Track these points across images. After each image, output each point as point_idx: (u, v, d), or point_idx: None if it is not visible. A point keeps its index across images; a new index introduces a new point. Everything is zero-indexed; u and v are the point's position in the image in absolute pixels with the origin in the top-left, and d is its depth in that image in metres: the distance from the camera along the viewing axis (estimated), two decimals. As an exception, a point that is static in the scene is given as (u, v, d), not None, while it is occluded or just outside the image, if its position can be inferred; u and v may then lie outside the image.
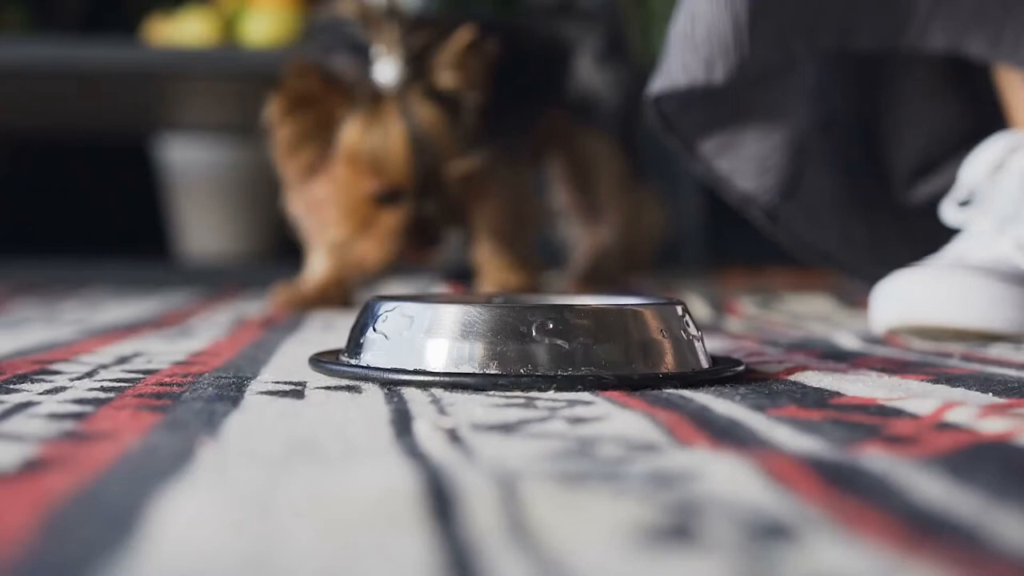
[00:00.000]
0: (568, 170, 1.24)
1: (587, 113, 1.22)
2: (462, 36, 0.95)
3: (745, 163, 0.94)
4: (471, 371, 0.50)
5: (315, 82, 0.93)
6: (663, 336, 0.53)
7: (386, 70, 0.95)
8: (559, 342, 0.50)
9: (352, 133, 0.94)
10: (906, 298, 0.74)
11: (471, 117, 0.98)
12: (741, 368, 0.55)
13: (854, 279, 1.05)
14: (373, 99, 0.94)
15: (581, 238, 1.26)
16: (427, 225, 0.95)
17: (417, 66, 0.95)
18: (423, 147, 0.93)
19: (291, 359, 0.62)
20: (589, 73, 1.22)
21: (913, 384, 0.52)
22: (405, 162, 0.93)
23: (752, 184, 0.95)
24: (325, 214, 0.97)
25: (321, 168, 0.97)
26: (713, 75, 0.83)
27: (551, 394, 0.48)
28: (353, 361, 0.54)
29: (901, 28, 0.82)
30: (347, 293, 1.06)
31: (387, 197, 0.94)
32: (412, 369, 0.51)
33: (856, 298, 1.10)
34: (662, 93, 0.87)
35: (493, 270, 1.11)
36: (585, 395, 0.48)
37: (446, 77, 0.95)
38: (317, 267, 1.06)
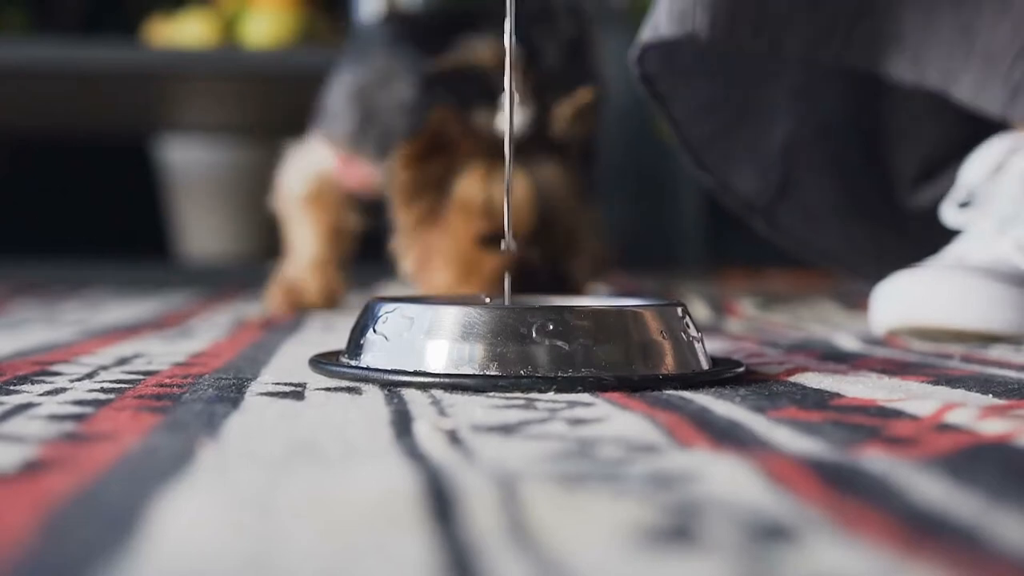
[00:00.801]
0: None
1: None
2: (585, 94, 0.94)
3: (743, 167, 0.94)
4: (471, 372, 0.50)
5: (455, 130, 0.91)
6: (663, 337, 0.53)
7: (516, 120, 0.94)
8: (559, 343, 0.50)
9: (474, 182, 0.92)
10: (906, 299, 0.74)
11: (587, 169, 0.97)
12: (741, 369, 0.55)
13: (857, 278, 1.05)
14: (495, 148, 0.91)
15: None
16: (531, 274, 0.92)
17: (542, 118, 0.94)
18: (543, 198, 0.92)
19: (291, 360, 0.62)
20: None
21: (913, 385, 0.52)
22: (528, 212, 0.91)
23: (751, 188, 0.95)
24: (435, 262, 0.95)
25: (433, 218, 0.95)
26: (692, 26, 0.81)
27: (551, 395, 0.48)
28: (353, 362, 0.54)
29: (825, 40, 0.82)
30: None
31: (491, 239, 0.91)
32: (412, 370, 0.51)
33: (856, 299, 1.10)
34: (647, 45, 0.87)
35: None
36: (585, 396, 0.48)
37: (566, 129, 0.94)
38: None
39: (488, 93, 0.94)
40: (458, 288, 0.94)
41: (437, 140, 0.92)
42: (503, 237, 0.90)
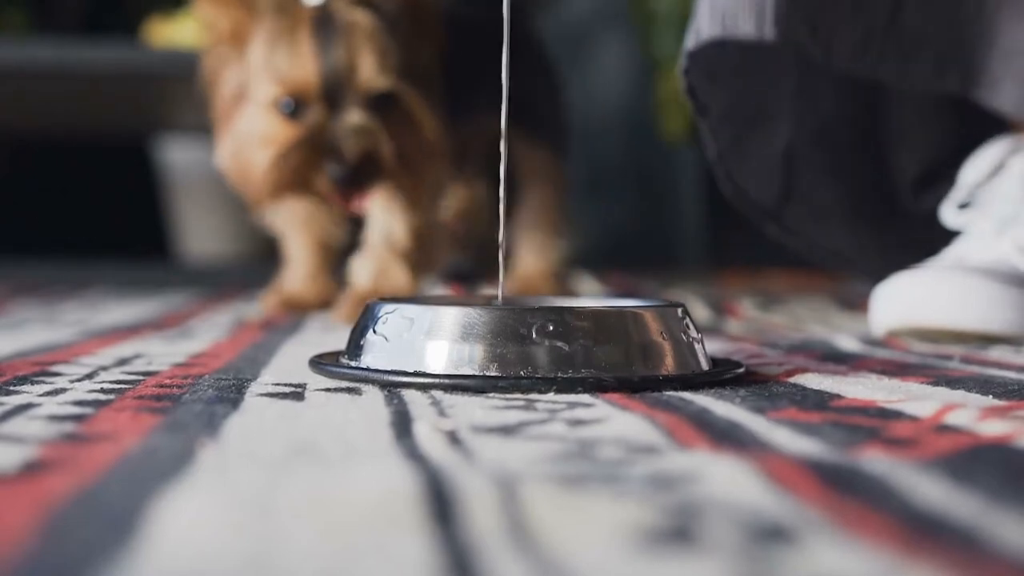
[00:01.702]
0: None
1: (527, 118, 1.13)
2: None
3: (754, 171, 0.94)
4: (471, 373, 0.50)
5: None
6: (663, 338, 0.53)
7: None
8: (559, 344, 0.50)
9: (260, 46, 0.87)
10: (906, 300, 0.74)
11: (428, 58, 0.91)
12: (741, 370, 0.55)
13: (867, 279, 1.05)
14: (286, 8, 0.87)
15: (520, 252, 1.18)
16: (362, 162, 0.85)
17: None
18: (340, 51, 0.85)
19: (291, 361, 0.62)
20: (523, 73, 1.15)
21: (913, 386, 0.52)
22: (312, 63, 0.84)
23: (760, 191, 0.95)
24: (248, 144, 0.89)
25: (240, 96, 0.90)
26: (739, 29, 0.81)
27: (551, 396, 0.48)
28: (353, 363, 0.54)
29: (863, 49, 0.82)
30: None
31: (294, 110, 0.86)
32: (412, 371, 0.51)
33: (856, 300, 1.10)
34: (695, 49, 0.86)
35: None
36: (585, 397, 0.48)
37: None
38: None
39: None
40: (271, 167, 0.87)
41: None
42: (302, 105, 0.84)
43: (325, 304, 1.05)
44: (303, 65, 0.85)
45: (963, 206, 0.82)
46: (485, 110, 1.07)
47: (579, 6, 2.37)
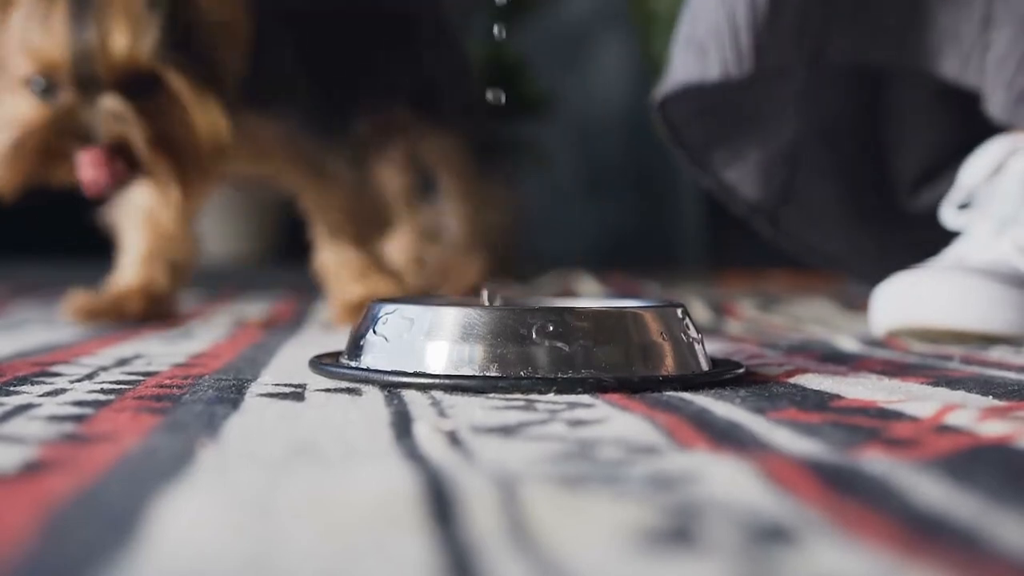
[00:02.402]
0: (406, 171, 1.11)
1: (429, 105, 1.06)
2: None
3: (750, 171, 0.94)
4: (471, 373, 0.50)
5: None
6: (663, 339, 0.53)
7: None
8: (559, 344, 0.50)
9: (18, 17, 0.76)
10: (906, 300, 0.74)
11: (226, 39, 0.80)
12: (741, 371, 0.55)
13: (860, 281, 1.05)
14: None
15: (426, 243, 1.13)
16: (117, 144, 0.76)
17: None
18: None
19: (291, 361, 0.62)
20: (429, 59, 1.05)
21: (913, 387, 0.52)
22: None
23: (757, 192, 0.95)
24: None
25: None
26: (708, 72, 0.83)
27: (551, 397, 0.48)
28: (353, 363, 0.54)
29: (871, 42, 0.83)
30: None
31: (44, 89, 0.76)
32: (412, 371, 0.51)
33: (856, 301, 1.10)
34: (667, 96, 0.87)
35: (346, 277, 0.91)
36: (585, 397, 0.48)
37: None
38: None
39: None
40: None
41: None
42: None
43: (154, 315, 0.92)
44: (54, 40, 0.75)
45: (962, 206, 0.82)
46: (374, 100, 1.00)
47: (579, 6, 2.38)
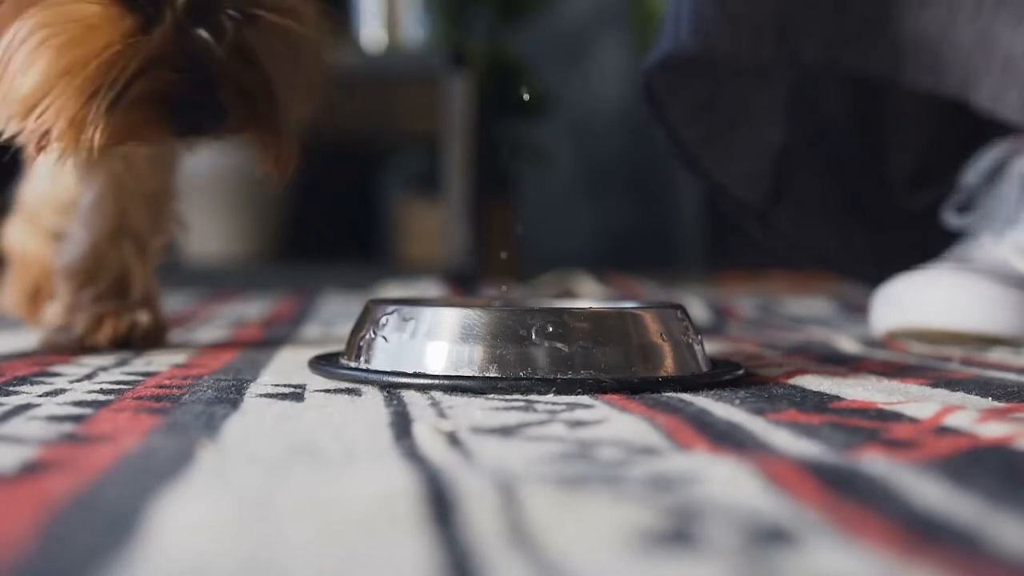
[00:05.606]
0: None
1: None
2: None
3: (739, 170, 0.94)
4: (471, 374, 0.50)
5: None
6: (663, 339, 0.53)
7: None
8: (559, 345, 0.50)
9: None
10: (906, 301, 0.74)
11: None
12: (740, 372, 0.55)
13: (851, 281, 1.05)
14: None
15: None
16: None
17: None
18: None
19: (291, 362, 0.62)
20: None
21: (913, 388, 0.52)
22: None
23: (746, 190, 0.95)
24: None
25: None
26: (681, 44, 0.82)
27: (551, 397, 0.48)
28: (353, 364, 0.54)
29: (844, 46, 0.82)
30: None
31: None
32: (412, 372, 0.51)
33: (855, 302, 1.10)
34: (652, 66, 0.87)
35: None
36: (585, 398, 0.48)
37: None
38: None
39: None
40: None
41: None
42: None
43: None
44: None
45: (963, 208, 0.82)
46: None
47: (578, 6, 2.38)
